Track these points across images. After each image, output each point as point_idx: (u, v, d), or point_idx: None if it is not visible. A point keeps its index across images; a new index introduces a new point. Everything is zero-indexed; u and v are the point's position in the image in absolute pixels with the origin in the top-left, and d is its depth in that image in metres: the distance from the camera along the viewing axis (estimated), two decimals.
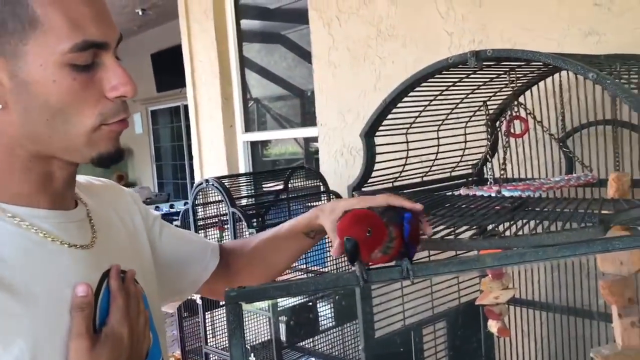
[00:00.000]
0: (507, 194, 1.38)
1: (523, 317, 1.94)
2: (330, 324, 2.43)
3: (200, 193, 2.66)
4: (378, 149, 1.49)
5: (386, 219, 0.81)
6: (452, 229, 1.12)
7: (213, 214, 2.78)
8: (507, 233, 1.10)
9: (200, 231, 2.72)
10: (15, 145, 0.72)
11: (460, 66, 1.33)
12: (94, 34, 0.70)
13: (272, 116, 4.00)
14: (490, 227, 1.23)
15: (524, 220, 1.12)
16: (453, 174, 1.71)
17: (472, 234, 1.09)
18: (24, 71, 0.68)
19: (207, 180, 2.49)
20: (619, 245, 0.99)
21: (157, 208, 5.86)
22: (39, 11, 0.67)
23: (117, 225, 0.89)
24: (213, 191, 2.55)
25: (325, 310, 2.42)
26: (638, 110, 1.03)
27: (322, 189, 2.66)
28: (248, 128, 3.76)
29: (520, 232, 1.06)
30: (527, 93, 1.73)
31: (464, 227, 1.13)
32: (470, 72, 1.43)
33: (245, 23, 3.81)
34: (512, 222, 1.11)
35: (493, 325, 1.72)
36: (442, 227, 1.13)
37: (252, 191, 2.81)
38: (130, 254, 0.88)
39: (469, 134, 1.66)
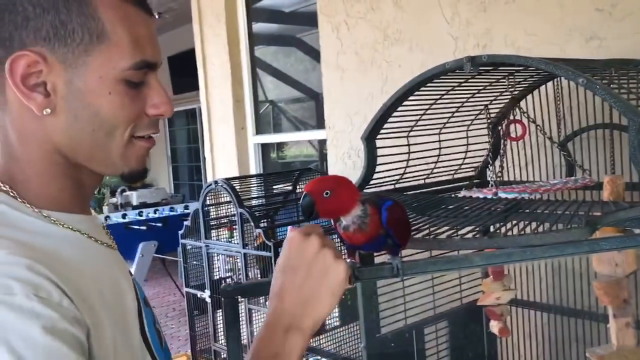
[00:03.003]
0: (503, 195, 1.41)
1: (524, 318, 1.96)
2: (337, 323, 2.47)
3: (211, 194, 2.71)
4: (382, 152, 1.53)
5: (364, 198, 0.87)
6: (447, 228, 1.15)
7: (223, 214, 2.83)
8: (499, 233, 1.13)
9: (211, 230, 2.78)
10: (56, 152, 0.74)
11: (458, 71, 1.37)
12: (150, 55, 0.74)
13: (287, 118, 4.05)
14: (492, 229, 1.27)
15: (514, 221, 1.15)
16: (456, 176, 1.74)
17: (463, 234, 1.12)
18: (82, 80, 0.70)
19: (216, 182, 2.54)
20: (606, 246, 1.02)
21: (172, 209, 5.93)
22: (109, 27, 0.70)
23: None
24: (223, 192, 2.61)
25: None
26: (626, 115, 1.05)
27: None
28: (259, 130, 3.81)
29: (510, 233, 1.09)
30: (528, 97, 1.75)
31: (459, 227, 1.16)
32: (469, 76, 1.46)
33: (260, 26, 3.86)
34: (503, 223, 1.14)
35: (494, 326, 1.75)
36: (436, 227, 1.16)
37: (262, 192, 2.86)
38: None
39: (471, 136, 1.69)
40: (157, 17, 6.62)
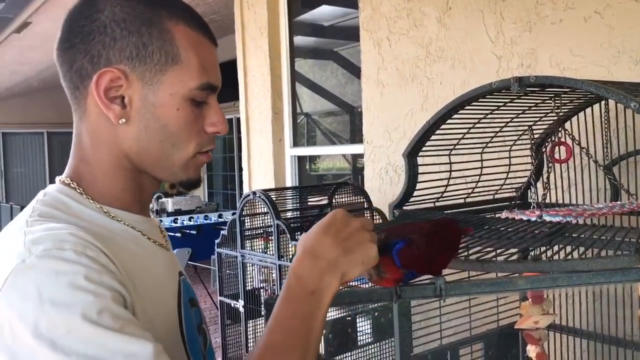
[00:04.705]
0: (548, 218, 1.39)
1: (563, 344, 1.91)
2: (369, 340, 2.45)
3: (247, 204, 2.74)
4: (422, 169, 1.52)
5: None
6: (489, 250, 1.14)
7: (259, 225, 2.85)
8: (543, 257, 1.11)
9: (246, 241, 2.80)
10: (124, 157, 0.83)
11: (504, 91, 1.36)
12: (213, 79, 0.84)
13: (321, 131, 4.07)
14: (532, 252, 1.25)
15: (560, 246, 1.13)
16: (497, 196, 1.72)
17: (507, 257, 1.11)
18: (155, 96, 0.80)
19: (254, 192, 2.57)
20: None
21: (206, 217, 5.99)
22: (182, 51, 0.81)
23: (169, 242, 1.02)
24: (259, 203, 2.62)
25: (364, 326, 2.44)
26: None
27: (365, 205, 2.70)
28: (296, 143, 3.83)
29: (555, 257, 1.07)
30: (574, 119, 1.73)
31: (502, 249, 1.14)
32: (515, 96, 1.45)
33: (299, 39, 3.90)
34: (548, 247, 1.12)
35: (532, 350, 1.72)
36: (479, 248, 1.15)
37: (298, 204, 2.87)
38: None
39: (513, 157, 1.67)
40: None
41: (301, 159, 3.88)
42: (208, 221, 5.76)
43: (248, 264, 2.77)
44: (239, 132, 4.16)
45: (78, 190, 0.82)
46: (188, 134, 0.83)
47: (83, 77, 0.80)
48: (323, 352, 2.32)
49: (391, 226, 0.89)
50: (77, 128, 0.85)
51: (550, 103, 1.51)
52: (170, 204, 6.88)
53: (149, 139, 0.81)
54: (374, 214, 2.65)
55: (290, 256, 2.44)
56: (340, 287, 0.82)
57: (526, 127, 1.63)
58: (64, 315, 0.65)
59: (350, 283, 0.94)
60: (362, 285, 2.51)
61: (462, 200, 1.63)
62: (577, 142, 1.58)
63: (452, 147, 1.56)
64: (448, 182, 1.56)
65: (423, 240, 0.88)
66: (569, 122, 1.73)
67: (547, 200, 1.63)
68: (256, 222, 2.86)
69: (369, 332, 2.44)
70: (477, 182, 1.63)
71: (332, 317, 2.34)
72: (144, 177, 0.86)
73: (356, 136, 3.52)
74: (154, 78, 0.80)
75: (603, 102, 1.62)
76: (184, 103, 0.81)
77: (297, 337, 0.76)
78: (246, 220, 2.79)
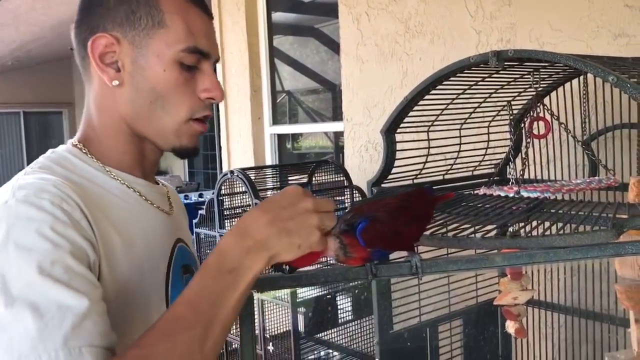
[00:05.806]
0: (525, 194, 1.38)
1: (541, 319, 1.93)
2: (349, 317, 2.46)
3: (226, 183, 2.70)
4: (401, 146, 1.50)
5: (339, 229, 0.83)
6: (466, 227, 1.13)
7: (238, 204, 2.82)
8: (521, 234, 1.10)
9: (225, 220, 2.77)
10: (122, 120, 0.89)
11: (482, 65, 1.33)
12: (202, 44, 0.88)
13: (303, 109, 4.03)
14: (510, 229, 1.24)
15: (538, 221, 1.12)
16: (475, 173, 1.71)
17: (484, 233, 1.09)
18: (144, 58, 0.86)
19: (232, 172, 2.53)
20: (632, 249, 0.98)
21: (186, 197, 5.95)
22: (168, 16, 0.86)
23: (182, 212, 1.06)
24: (238, 182, 2.60)
25: (344, 304, 2.44)
26: None
27: (345, 183, 2.68)
28: (276, 121, 3.79)
29: (533, 233, 1.06)
30: (553, 94, 1.71)
31: (480, 226, 1.13)
32: (493, 71, 1.43)
33: (278, 16, 3.84)
34: (525, 223, 1.11)
35: (511, 326, 1.72)
36: (456, 225, 1.14)
37: (277, 183, 2.84)
38: (188, 236, 1.04)
39: (492, 133, 1.65)
40: None
41: (282, 138, 3.84)
42: (188, 201, 5.72)
43: None
44: (218, 110, 4.11)
45: (84, 151, 0.89)
46: (179, 97, 0.87)
47: (85, 46, 0.87)
48: (303, 330, 2.32)
49: (359, 205, 0.87)
50: (87, 97, 0.91)
51: (529, 78, 1.50)
52: None
53: (140, 101, 0.87)
54: (354, 191, 2.63)
55: None
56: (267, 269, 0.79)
57: (505, 103, 1.61)
58: (20, 258, 0.69)
59: (327, 262, 0.92)
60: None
61: (440, 177, 1.62)
62: (555, 118, 1.57)
63: (430, 123, 1.54)
64: (427, 158, 1.55)
65: (387, 217, 0.85)
66: (547, 97, 1.71)
67: (526, 176, 1.62)
68: (235, 202, 2.83)
69: (349, 309, 2.44)
70: (456, 158, 1.62)
71: (313, 295, 2.34)
72: (145, 143, 0.92)
73: (337, 114, 3.49)
74: (142, 41, 0.86)
75: (582, 77, 1.61)
76: (172, 65, 0.86)
77: (200, 314, 0.72)
78: (225, 200, 2.76)
